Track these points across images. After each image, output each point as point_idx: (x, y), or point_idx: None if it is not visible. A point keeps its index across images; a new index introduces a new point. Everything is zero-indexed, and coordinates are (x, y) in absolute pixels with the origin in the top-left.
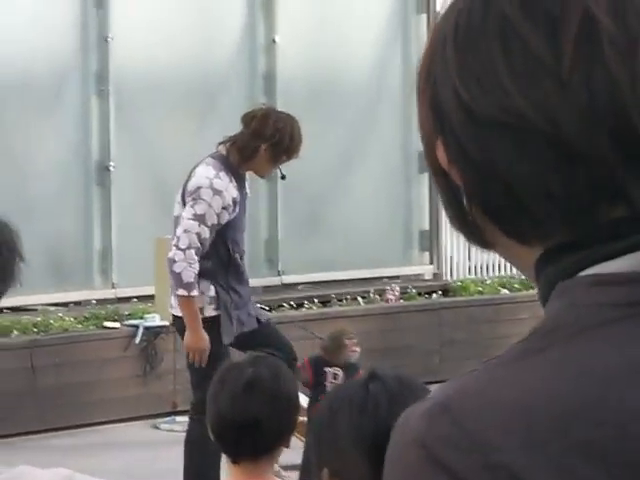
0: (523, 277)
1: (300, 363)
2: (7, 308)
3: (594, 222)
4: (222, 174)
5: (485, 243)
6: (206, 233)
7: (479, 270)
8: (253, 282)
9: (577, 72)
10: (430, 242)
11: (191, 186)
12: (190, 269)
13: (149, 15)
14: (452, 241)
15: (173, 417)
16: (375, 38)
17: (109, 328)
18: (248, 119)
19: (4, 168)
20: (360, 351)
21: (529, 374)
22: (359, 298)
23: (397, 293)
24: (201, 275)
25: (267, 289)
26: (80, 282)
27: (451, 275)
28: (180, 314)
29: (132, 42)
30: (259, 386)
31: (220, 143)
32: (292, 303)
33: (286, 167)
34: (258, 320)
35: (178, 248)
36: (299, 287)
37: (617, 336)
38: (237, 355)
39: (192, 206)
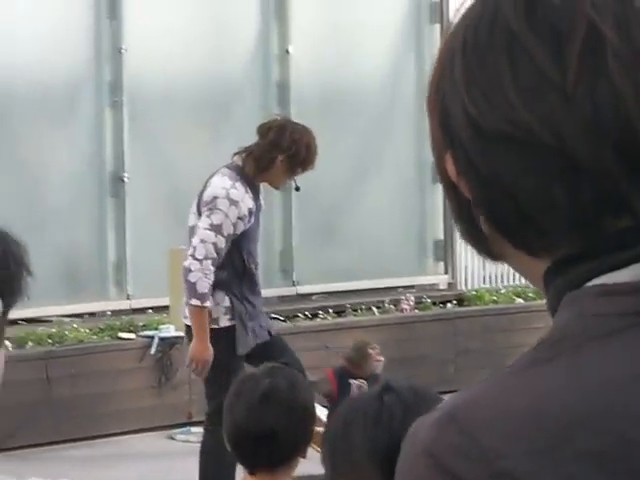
0: None
1: (321, 376)
2: (22, 319)
3: (600, 233)
4: (238, 184)
5: (495, 255)
6: (222, 243)
7: (494, 279)
8: (268, 292)
9: (581, 85)
10: (445, 252)
11: (207, 196)
12: (205, 280)
13: (163, 26)
14: (466, 251)
15: (188, 428)
16: (388, 48)
17: (124, 339)
18: (264, 130)
19: (19, 179)
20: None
21: (537, 383)
22: (374, 308)
23: (412, 303)
24: (216, 286)
25: (282, 299)
26: (95, 293)
27: (466, 285)
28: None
29: (146, 53)
30: (275, 397)
31: (235, 154)
32: (307, 313)
33: (300, 177)
34: (269, 332)
35: (194, 258)
36: (313, 297)
37: (624, 346)
38: (245, 367)
39: (208, 216)
